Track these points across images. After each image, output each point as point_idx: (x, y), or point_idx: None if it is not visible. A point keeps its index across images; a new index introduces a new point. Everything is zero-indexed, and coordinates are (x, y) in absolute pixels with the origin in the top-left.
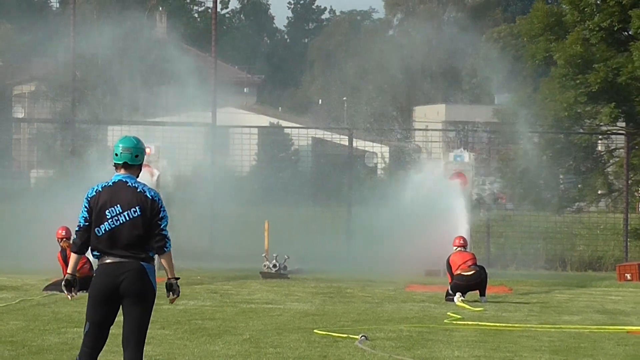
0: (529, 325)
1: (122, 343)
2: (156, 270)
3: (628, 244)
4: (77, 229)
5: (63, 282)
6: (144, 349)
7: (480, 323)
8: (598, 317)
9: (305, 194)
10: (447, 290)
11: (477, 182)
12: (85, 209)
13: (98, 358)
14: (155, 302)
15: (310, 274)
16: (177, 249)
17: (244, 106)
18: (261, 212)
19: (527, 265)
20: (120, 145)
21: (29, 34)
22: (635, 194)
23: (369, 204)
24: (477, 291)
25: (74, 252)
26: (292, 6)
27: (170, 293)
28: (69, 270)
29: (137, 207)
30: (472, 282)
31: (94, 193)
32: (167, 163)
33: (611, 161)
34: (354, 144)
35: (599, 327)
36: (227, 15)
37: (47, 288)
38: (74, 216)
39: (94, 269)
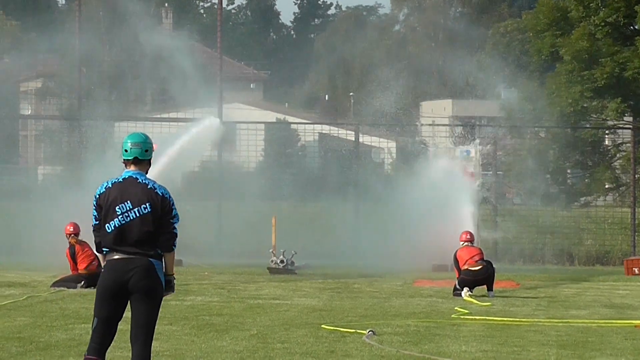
0: (536, 320)
1: (130, 339)
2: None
3: (636, 238)
4: (92, 228)
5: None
6: (152, 345)
7: (487, 318)
8: (605, 311)
9: (312, 189)
10: (455, 285)
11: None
12: (95, 208)
13: (106, 354)
14: (163, 298)
15: (318, 270)
16: (185, 245)
17: (251, 102)
18: (268, 207)
19: (535, 260)
20: (129, 141)
21: (35, 31)
22: None
23: (375, 200)
24: (485, 286)
25: (98, 252)
26: (298, 2)
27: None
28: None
29: (147, 204)
30: (480, 277)
31: (104, 190)
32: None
33: (618, 155)
34: (361, 140)
35: (607, 321)
36: (233, 11)
37: (54, 284)
38: (82, 212)
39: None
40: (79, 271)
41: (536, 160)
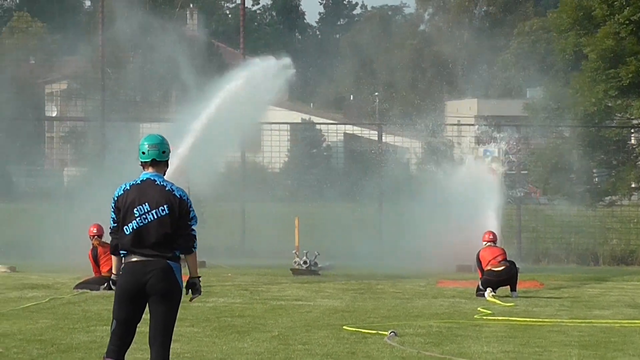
0: (559, 320)
1: (148, 341)
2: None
3: None
4: (110, 230)
5: (110, 282)
6: (171, 346)
7: (510, 318)
8: (629, 311)
9: (337, 190)
10: (478, 286)
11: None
12: (113, 210)
13: (126, 356)
14: (184, 299)
15: (341, 270)
16: (208, 246)
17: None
18: (293, 208)
19: (559, 260)
20: (146, 143)
21: (61, 32)
22: None
23: (400, 200)
24: (508, 286)
25: (113, 254)
26: (324, 2)
27: (190, 291)
28: (113, 271)
29: (165, 206)
30: (503, 278)
31: (122, 192)
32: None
33: None
34: (386, 140)
35: (630, 321)
36: (258, 12)
37: (77, 286)
38: (106, 214)
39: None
40: (102, 273)
41: (561, 160)
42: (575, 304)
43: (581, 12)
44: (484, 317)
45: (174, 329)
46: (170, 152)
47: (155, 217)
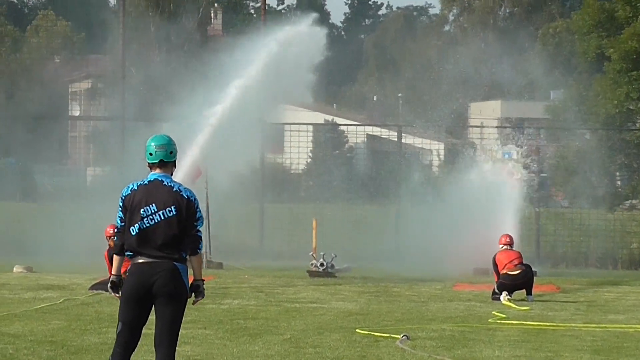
0: (573, 325)
1: (154, 343)
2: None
3: None
4: (116, 230)
5: (109, 284)
6: (177, 349)
7: (524, 322)
8: None
9: (357, 191)
10: (494, 289)
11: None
12: (120, 209)
13: (133, 358)
14: (198, 302)
15: (359, 273)
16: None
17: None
18: (314, 209)
19: (578, 263)
20: (153, 143)
21: (85, 31)
22: None
23: (420, 202)
24: (524, 290)
25: (117, 254)
26: (349, 2)
27: (194, 294)
28: (113, 272)
29: (172, 207)
30: (519, 282)
31: (129, 192)
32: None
33: None
34: (410, 141)
35: None
36: (283, 11)
37: (93, 287)
38: None
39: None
40: None
41: (581, 163)
42: (591, 308)
43: (604, 14)
44: (498, 321)
45: (180, 331)
46: (177, 152)
47: (163, 217)
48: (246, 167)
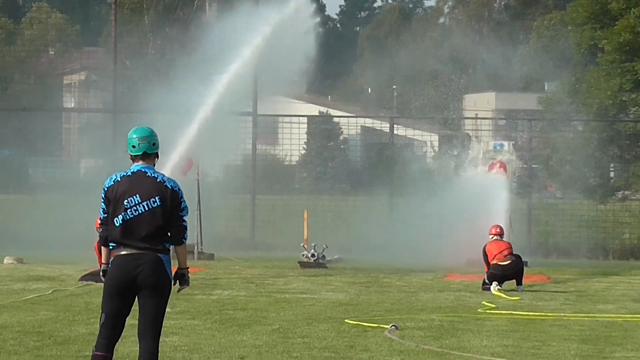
0: (562, 314)
1: (137, 335)
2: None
3: None
4: (100, 221)
5: (100, 273)
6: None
7: (513, 312)
8: (634, 305)
9: (352, 183)
10: (484, 280)
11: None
12: (103, 200)
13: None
14: (189, 292)
15: (350, 264)
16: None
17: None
18: (306, 201)
19: (569, 253)
20: (135, 136)
21: (80, 23)
22: None
23: (412, 193)
24: (514, 280)
25: (103, 245)
26: None
27: (178, 282)
28: (103, 261)
29: (157, 198)
30: (509, 272)
31: (112, 183)
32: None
33: None
34: (404, 133)
35: (633, 315)
36: None
37: (82, 278)
38: None
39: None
40: None
41: (574, 154)
42: (581, 298)
43: (597, 6)
44: (487, 311)
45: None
46: (159, 143)
47: (147, 208)
48: (238, 158)
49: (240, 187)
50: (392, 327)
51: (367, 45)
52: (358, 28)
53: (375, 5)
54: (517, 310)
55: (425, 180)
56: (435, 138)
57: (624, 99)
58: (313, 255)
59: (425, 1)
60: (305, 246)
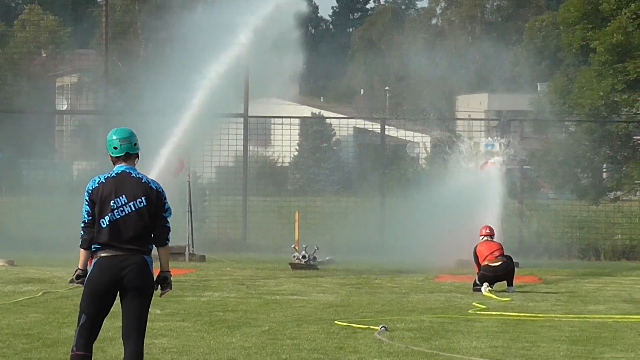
0: (552, 315)
1: (122, 337)
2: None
3: None
4: (82, 224)
5: (74, 276)
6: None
7: (503, 313)
8: (624, 306)
9: (344, 184)
10: (475, 281)
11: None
12: (87, 203)
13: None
14: (179, 293)
15: (341, 265)
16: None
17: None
18: (299, 202)
19: (561, 254)
20: (116, 137)
21: (72, 25)
22: None
23: (403, 194)
24: (505, 281)
25: (83, 249)
26: None
27: (160, 287)
28: (80, 266)
29: (143, 198)
30: (500, 273)
31: (96, 185)
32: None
33: None
34: (396, 134)
35: (623, 316)
36: None
37: (73, 280)
38: None
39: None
40: None
41: (566, 155)
42: (572, 299)
43: (589, 6)
44: (478, 312)
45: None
46: (139, 144)
47: (134, 209)
48: (230, 159)
49: (232, 189)
50: (382, 328)
51: (359, 47)
52: (351, 29)
53: (367, 6)
54: (507, 311)
55: (417, 182)
56: (427, 139)
57: (616, 99)
58: (304, 257)
59: (417, 2)
60: (297, 248)
